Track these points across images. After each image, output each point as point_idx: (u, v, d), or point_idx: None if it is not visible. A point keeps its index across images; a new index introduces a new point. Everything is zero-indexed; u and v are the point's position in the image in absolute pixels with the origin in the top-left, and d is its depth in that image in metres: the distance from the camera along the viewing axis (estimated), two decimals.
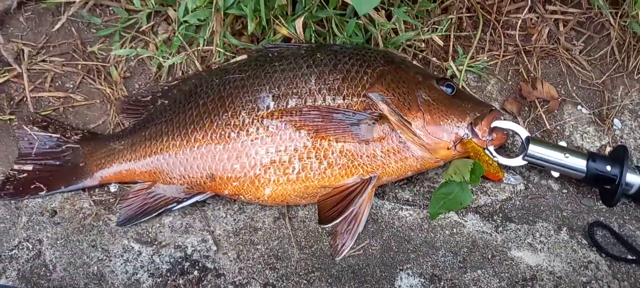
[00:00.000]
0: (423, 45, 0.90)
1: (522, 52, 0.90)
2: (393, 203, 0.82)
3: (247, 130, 0.74)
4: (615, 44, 0.90)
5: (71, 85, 0.91)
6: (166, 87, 0.85)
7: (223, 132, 0.74)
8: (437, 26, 0.89)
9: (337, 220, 0.71)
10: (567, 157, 0.78)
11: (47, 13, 0.93)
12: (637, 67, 0.89)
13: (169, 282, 0.74)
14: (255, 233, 0.79)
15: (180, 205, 0.77)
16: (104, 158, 0.81)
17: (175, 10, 0.90)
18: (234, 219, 0.80)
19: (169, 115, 0.79)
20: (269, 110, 0.74)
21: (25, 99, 0.90)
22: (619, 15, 0.89)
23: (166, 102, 0.83)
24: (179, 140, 0.76)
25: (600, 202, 0.82)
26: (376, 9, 0.86)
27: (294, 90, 0.75)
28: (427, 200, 0.82)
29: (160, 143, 0.78)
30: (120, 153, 0.80)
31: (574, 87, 0.90)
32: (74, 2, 0.92)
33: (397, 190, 0.83)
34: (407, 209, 0.81)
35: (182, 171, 0.76)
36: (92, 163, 0.82)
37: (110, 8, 0.95)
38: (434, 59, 0.90)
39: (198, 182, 0.76)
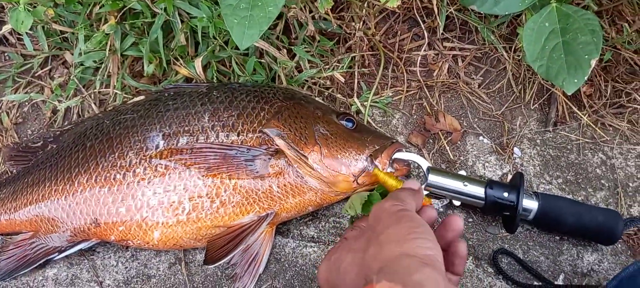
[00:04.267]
0: (328, 82, 0.91)
1: (424, 87, 0.93)
2: (297, 241, 0.79)
3: (134, 171, 0.70)
4: (511, 76, 0.94)
5: None
6: (58, 132, 0.81)
7: (108, 174, 0.71)
8: (340, 64, 0.90)
9: (225, 259, 0.68)
10: (466, 186, 0.79)
11: None
12: (533, 98, 0.93)
13: None
14: (148, 282, 0.73)
15: (63, 254, 0.72)
16: None
17: (71, 54, 0.87)
18: (126, 267, 0.75)
19: (55, 160, 0.75)
20: (158, 150, 0.71)
21: None
22: (512, 49, 0.94)
23: (55, 146, 0.79)
24: (62, 185, 0.72)
25: (504, 229, 0.83)
26: (278, 48, 0.87)
27: (186, 128, 0.73)
28: (332, 236, 0.80)
29: (42, 189, 0.73)
30: (1, 203, 0.74)
31: (475, 119, 0.92)
32: None
33: (301, 227, 0.81)
34: (311, 246, 0.79)
35: (64, 217, 0.71)
36: None
37: (5, 53, 0.91)
38: (339, 95, 0.91)
39: (82, 229, 0.71)
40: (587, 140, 0.90)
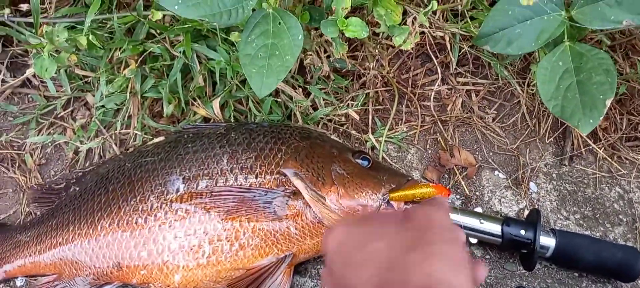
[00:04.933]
0: (343, 119, 0.92)
1: (439, 122, 0.93)
2: (315, 280, 0.80)
3: (155, 215, 0.72)
4: (525, 110, 0.94)
5: None
6: (80, 174, 0.83)
7: (130, 218, 0.72)
8: (354, 101, 0.92)
9: None
10: (483, 223, 0.79)
11: None
12: (548, 132, 0.93)
13: None
14: None
15: None
16: (9, 252, 0.77)
17: (93, 96, 0.90)
18: None
19: (78, 203, 0.77)
20: (179, 193, 0.73)
21: None
22: (526, 83, 0.94)
23: (77, 189, 0.80)
24: (85, 229, 0.73)
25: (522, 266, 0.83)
26: (293, 87, 0.89)
27: (205, 172, 0.74)
28: None
29: (66, 232, 0.75)
30: (26, 246, 0.76)
31: (490, 153, 0.92)
32: None
33: (319, 266, 0.81)
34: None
35: (87, 261, 0.73)
36: None
37: (29, 95, 0.94)
38: (354, 132, 0.92)
39: (105, 272, 0.73)
40: (603, 174, 0.90)
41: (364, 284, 0.49)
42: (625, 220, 0.86)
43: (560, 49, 0.74)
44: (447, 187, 0.82)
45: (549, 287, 0.81)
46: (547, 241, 0.78)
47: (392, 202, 0.77)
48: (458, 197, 0.88)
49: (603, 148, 0.90)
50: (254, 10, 0.67)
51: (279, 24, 0.66)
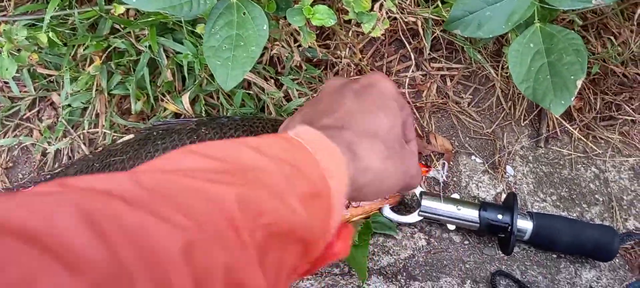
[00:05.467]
0: None
1: (414, 109, 0.92)
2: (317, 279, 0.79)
3: None
4: (500, 93, 0.94)
5: None
6: (49, 176, 0.81)
7: None
8: None
9: None
10: (460, 209, 0.79)
11: None
12: (523, 114, 0.93)
13: None
14: None
15: None
16: None
17: (59, 95, 0.87)
18: None
19: None
20: None
21: None
22: (500, 66, 0.94)
23: None
24: None
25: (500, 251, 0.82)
26: (265, 78, 0.87)
27: None
28: (329, 266, 0.80)
29: None
30: None
31: (467, 138, 0.92)
32: None
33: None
34: (307, 279, 0.78)
35: None
36: None
37: None
38: None
39: None
40: (579, 154, 0.90)
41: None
42: (601, 199, 0.86)
43: (531, 31, 0.73)
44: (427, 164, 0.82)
45: (528, 269, 0.81)
46: (525, 224, 0.78)
47: None
48: (435, 186, 0.88)
49: (578, 129, 0.90)
50: (217, 0, 0.65)
51: (244, 14, 0.64)
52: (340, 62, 0.89)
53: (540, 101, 0.71)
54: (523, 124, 0.93)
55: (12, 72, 0.76)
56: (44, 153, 0.87)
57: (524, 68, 0.73)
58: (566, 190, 0.87)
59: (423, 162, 0.88)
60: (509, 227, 0.77)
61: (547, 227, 0.78)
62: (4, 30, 0.76)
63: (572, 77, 0.70)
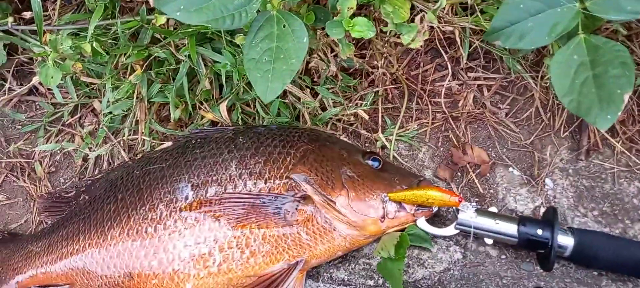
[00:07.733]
0: (352, 119, 0.91)
1: (450, 119, 0.91)
2: (328, 284, 0.79)
3: (165, 224, 0.71)
4: (539, 104, 0.92)
5: None
6: (89, 181, 0.83)
7: (140, 228, 0.72)
8: (363, 101, 0.90)
9: None
10: (498, 223, 0.77)
11: None
12: (563, 125, 0.91)
13: None
14: None
15: None
16: (21, 262, 0.77)
17: (100, 102, 0.89)
18: None
19: (88, 212, 0.77)
20: (188, 201, 0.72)
21: None
22: (539, 77, 0.92)
23: (87, 197, 0.80)
24: (95, 239, 0.73)
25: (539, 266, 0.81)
26: (301, 88, 0.87)
27: (214, 178, 0.73)
28: (363, 279, 0.80)
29: (76, 242, 0.74)
30: (37, 256, 0.76)
31: (504, 149, 0.90)
32: None
33: (332, 270, 0.80)
34: None
35: (98, 271, 0.73)
36: (9, 268, 0.77)
37: (36, 103, 0.94)
38: (363, 131, 0.90)
39: (116, 283, 0.72)
40: (622, 168, 0.87)
41: None
42: None
43: (575, 42, 0.71)
44: (458, 193, 0.80)
45: (567, 286, 0.79)
46: (565, 240, 0.76)
47: (404, 205, 0.76)
48: (472, 198, 0.86)
49: (621, 142, 0.88)
50: (258, 12, 0.65)
51: (284, 26, 0.65)
52: (377, 71, 0.89)
53: (584, 115, 0.69)
54: (563, 136, 0.90)
55: (57, 80, 0.78)
56: (85, 159, 0.89)
57: (568, 81, 0.71)
58: (608, 205, 0.84)
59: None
60: (549, 243, 0.75)
61: (588, 244, 0.76)
62: (50, 40, 0.78)
63: (618, 91, 0.68)
